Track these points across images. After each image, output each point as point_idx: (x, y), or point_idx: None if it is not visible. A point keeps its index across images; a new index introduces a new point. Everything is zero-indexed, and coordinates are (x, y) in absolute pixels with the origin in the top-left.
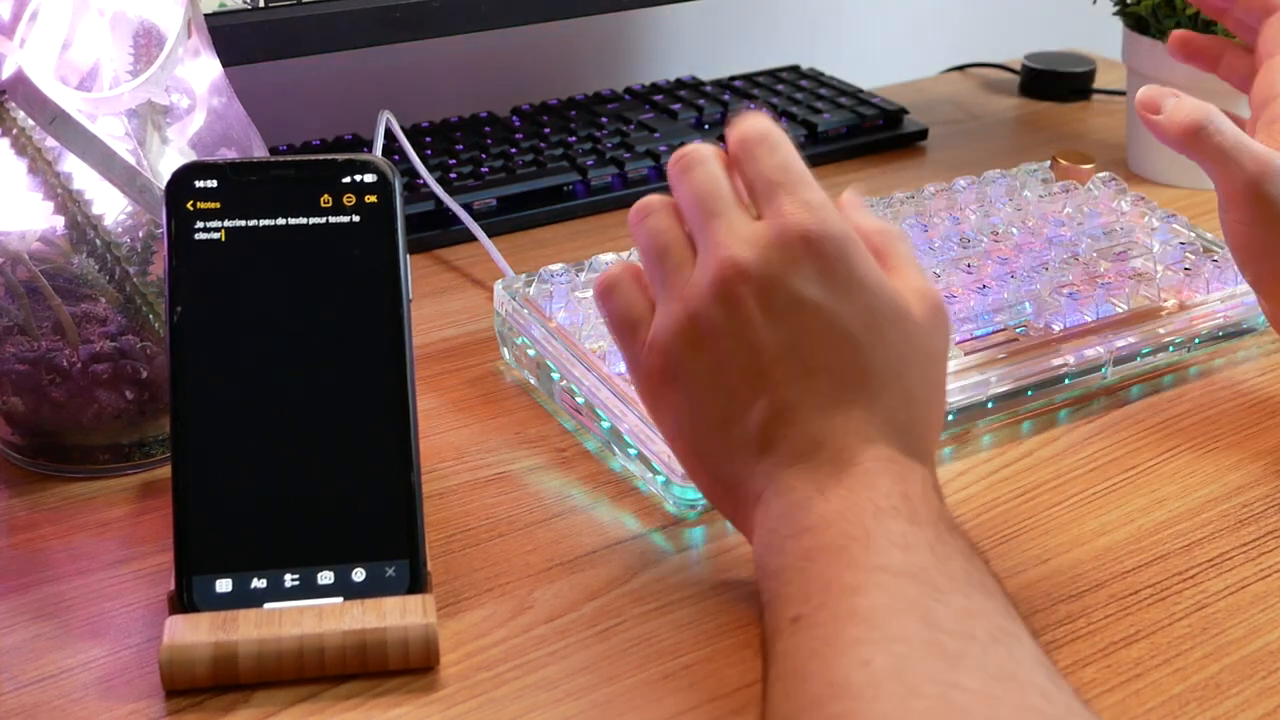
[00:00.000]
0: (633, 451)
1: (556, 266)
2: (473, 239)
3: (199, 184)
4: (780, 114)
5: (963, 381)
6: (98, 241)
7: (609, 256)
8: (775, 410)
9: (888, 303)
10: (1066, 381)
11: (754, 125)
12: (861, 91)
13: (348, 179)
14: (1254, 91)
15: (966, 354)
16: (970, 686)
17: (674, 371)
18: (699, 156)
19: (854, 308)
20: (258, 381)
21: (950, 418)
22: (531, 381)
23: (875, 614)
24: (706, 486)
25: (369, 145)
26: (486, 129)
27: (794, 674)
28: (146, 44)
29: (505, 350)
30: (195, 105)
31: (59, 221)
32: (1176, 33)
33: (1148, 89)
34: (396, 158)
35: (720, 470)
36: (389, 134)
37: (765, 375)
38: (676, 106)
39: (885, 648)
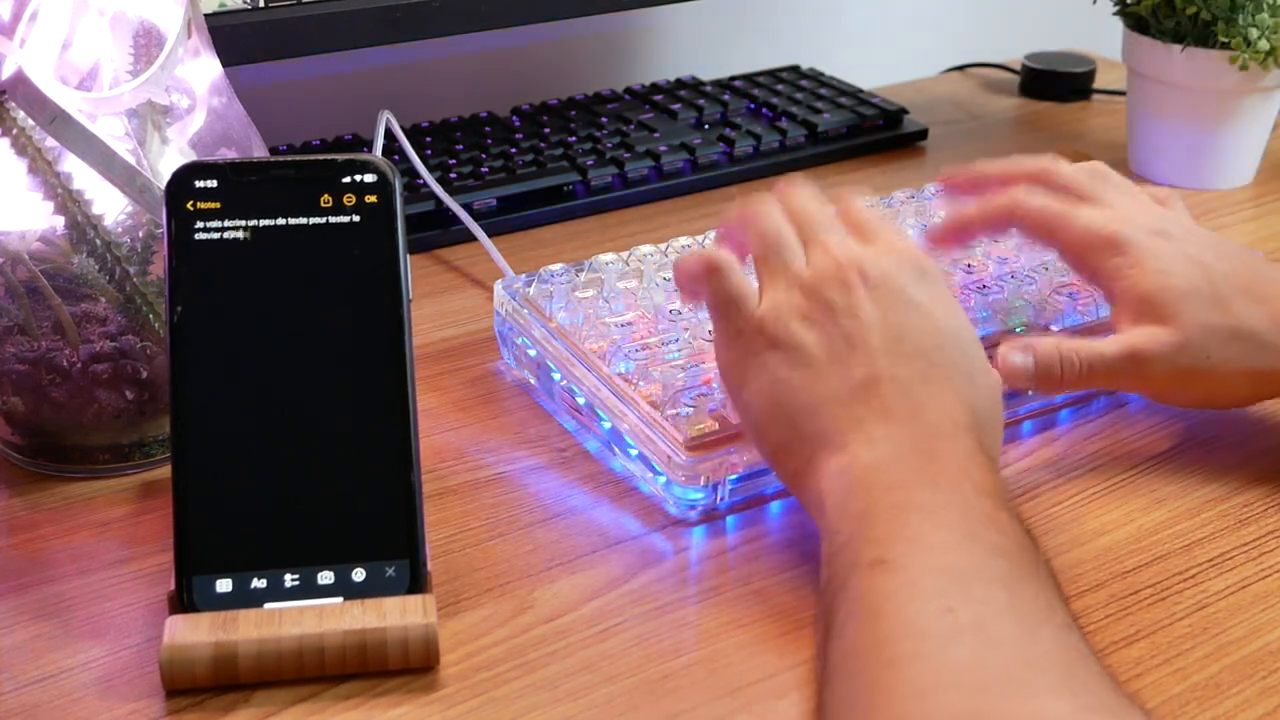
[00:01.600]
0: (633, 451)
1: (556, 266)
2: (473, 239)
3: (199, 184)
4: (780, 114)
5: None
6: (98, 241)
7: (609, 256)
8: (874, 374)
9: (969, 329)
10: None
11: (847, 192)
12: (861, 91)
13: (348, 179)
14: (1073, 272)
15: None
16: (1048, 652)
17: (781, 338)
18: (802, 189)
19: (947, 317)
20: (258, 381)
21: None
22: (531, 381)
23: (962, 573)
24: (778, 438)
25: (369, 145)
26: (486, 129)
27: (869, 612)
28: (146, 44)
29: (505, 350)
30: (195, 105)
31: (59, 221)
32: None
33: (1002, 360)
34: (396, 158)
35: (802, 420)
36: (389, 134)
37: (869, 346)
38: (676, 106)
39: (968, 603)
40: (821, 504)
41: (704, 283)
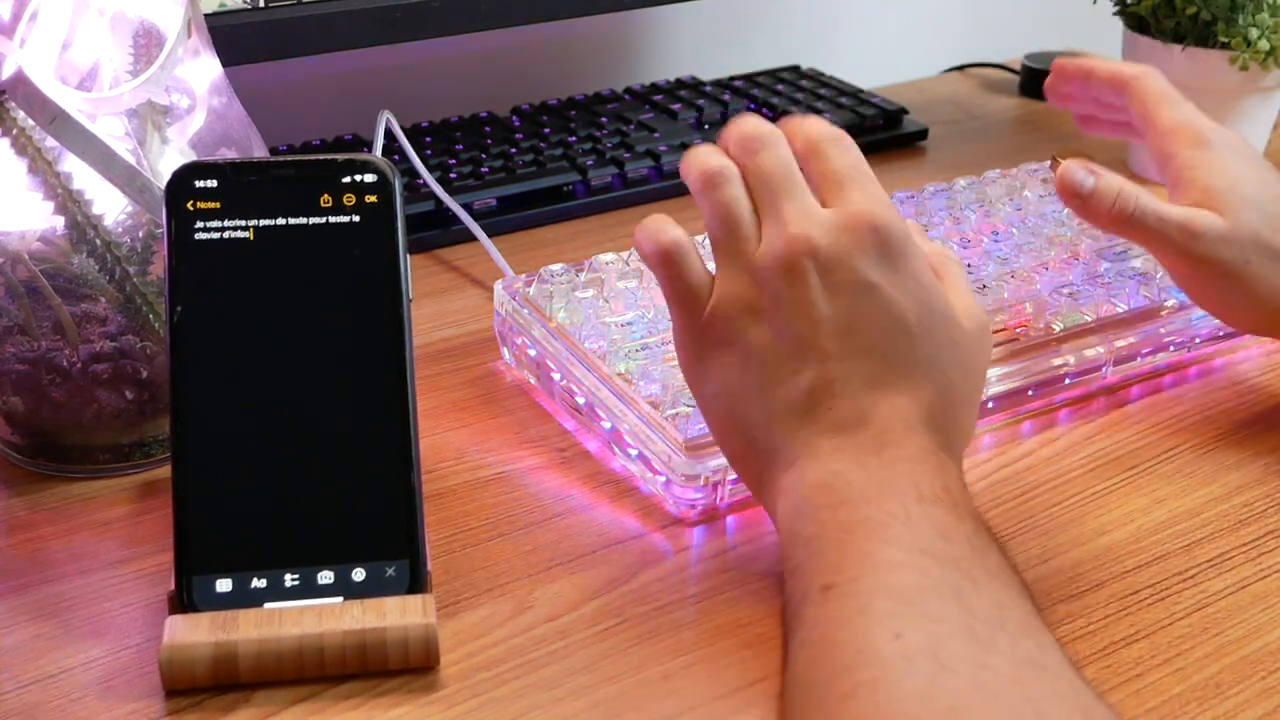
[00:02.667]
0: (633, 451)
1: (556, 266)
2: (473, 239)
3: (199, 184)
4: (780, 114)
5: None
6: (98, 241)
7: (609, 256)
8: (824, 380)
9: (940, 303)
10: (1066, 382)
11: (823, 127)
12: (861, 91)
13: (348, 179)
14: (1152, 156)
15: None
16: (1001, 669)
17: (731, 337)
18: (770, 138)
19: (909, 299)
20: (258, 381)
21: None
22: (532, 381)
23: (910, 591)
24: (736, 449)
25: (369, 145)
26: (486, 129)
27: (823, 641)
28: (146, 44)
29: (505, 350)
30: (195, 105)
31: (59, 221)
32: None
33: (1067, 169)
34: (396, 158)
35: (755, 433)
36: (389, 134)
37: (818, 347)
38: (676, 106)
39: (919, 625)
40: (776, 524)
41: (658, 270)
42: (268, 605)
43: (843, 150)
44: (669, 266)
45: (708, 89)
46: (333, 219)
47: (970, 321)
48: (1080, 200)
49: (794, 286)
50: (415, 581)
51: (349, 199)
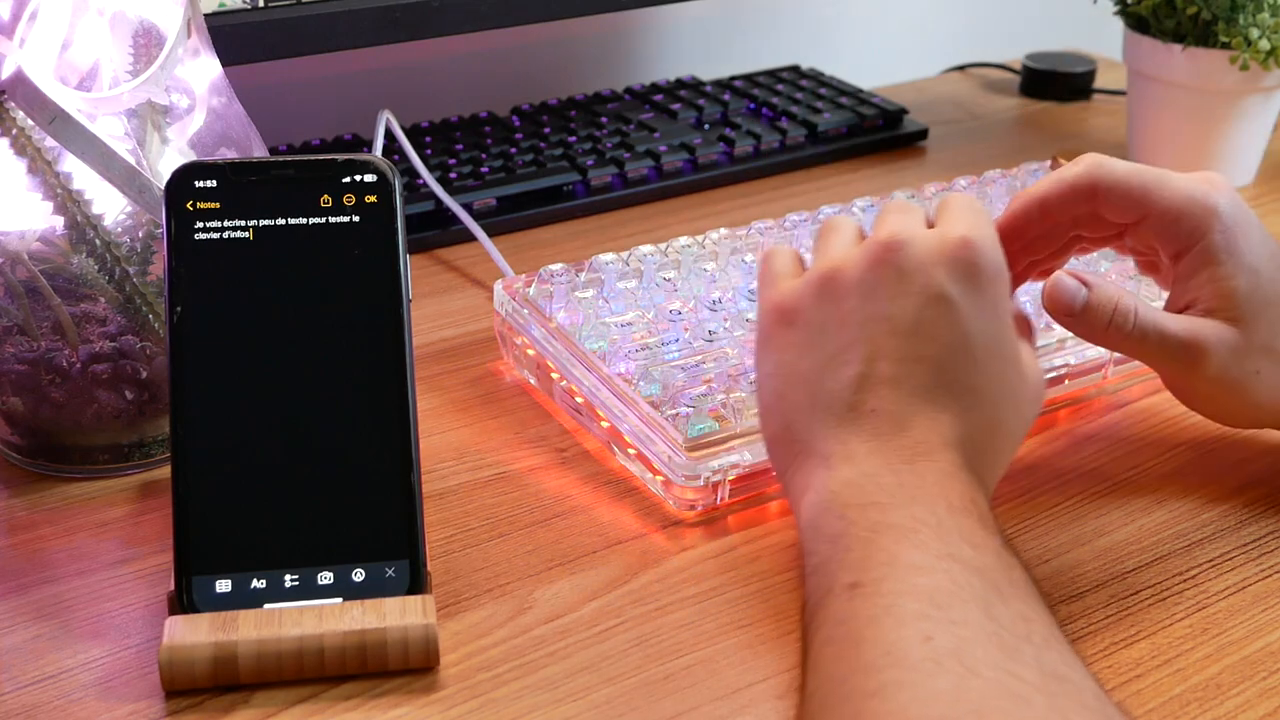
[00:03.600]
0: (632, 451)
1: (556, 266)
2: (473, 239)
3: (199, 184)
4: (780, 114)
5: None
6: (97, 241)
7: (609, 256)
8: (872, 377)
9: (1010, 345)
10: (1066, 382)
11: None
12: (861, 91)
13: (348, 179)
14: (1155, 240)
15: None
16: (1027, 678)
17: (795, 316)
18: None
19: (980, 325)
20: (257, 382)
21: None
22: (531, 381)
23: (939, 595)
24: (773, 431)
25: (369, 145)
26: (486, 129)
27: (849, 638)
28: (146, 44)
29: (505, 350)
30: (195, 105)
31: (59, 221)
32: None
33: (1056, 282)
34: (396, 158)
35: (795, 419)
36: (389, 134)
37: (876, 342)
38: (676, 106)
39: (947, 628)
40: (799, 517)
41: (760, 261)
42: (267, 606)
43: (964, 198)
44: (767, 257)
45: (708, 89)
46: (333, 219)
47: (1031, 376)
48: (1068, 318)
49: (870, 276)
50: (415, 582)
51: (349, 199)
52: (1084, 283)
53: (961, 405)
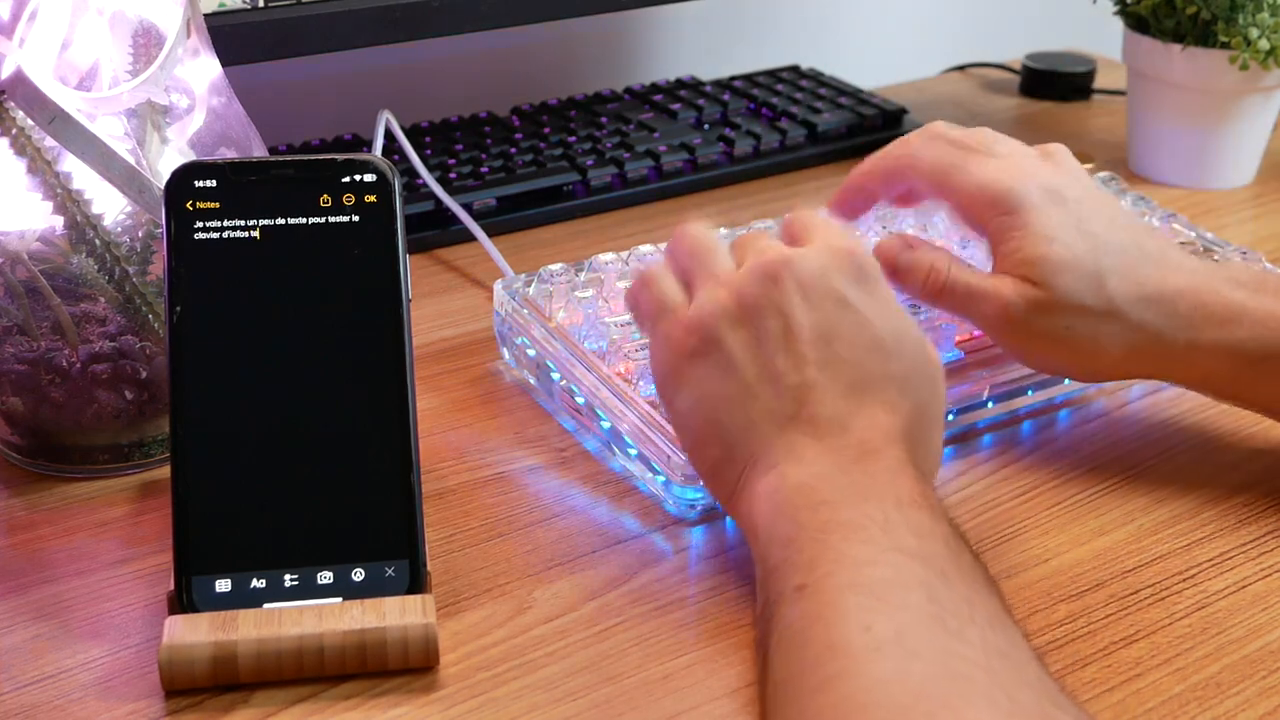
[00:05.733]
0: (633, 451)
1: (556, 266)
2: (473, 239)
3: (198, 184)
4: (780, 114)
5: (963, 382)
6: (97, 241)
7: (609, 256)
8: (805, 385)
9: (911, 328)
10: (1066, 382)
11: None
12: (861, 91)
13: (347, 179)
14: (966, 217)
15: (967, 353)
16: (970, 657)
17: (708, 347)
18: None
19: (883, 320)
20: (257, 381)
21: (950, 417)
22: (531, 381)
23: (880, 586)
24: (711, 460)
25: (369, 145)
26: (486, 129)
27: (795, 639)
28: (146, 44)
29: (505, 350)
30: (195, 105)
31: (59, 221)
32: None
33: (882, 242)
34: (396, 158)
35: (735, 440)
36: (389, 134)
37: (798, 353)
38: (676, 106)
39: (888, 615)
40: (754, 528)
41: (638, 293)
42: (267, 605)
43: (808, 214)
44: (644, 287)
45: (708, 89)
46: (332, 219)
47: (933, 354)
48: (896, 274)
49: (773, 294)
50: (415, 581)
51: (349, 199)
52: (908, 244)
53: (889, 399)
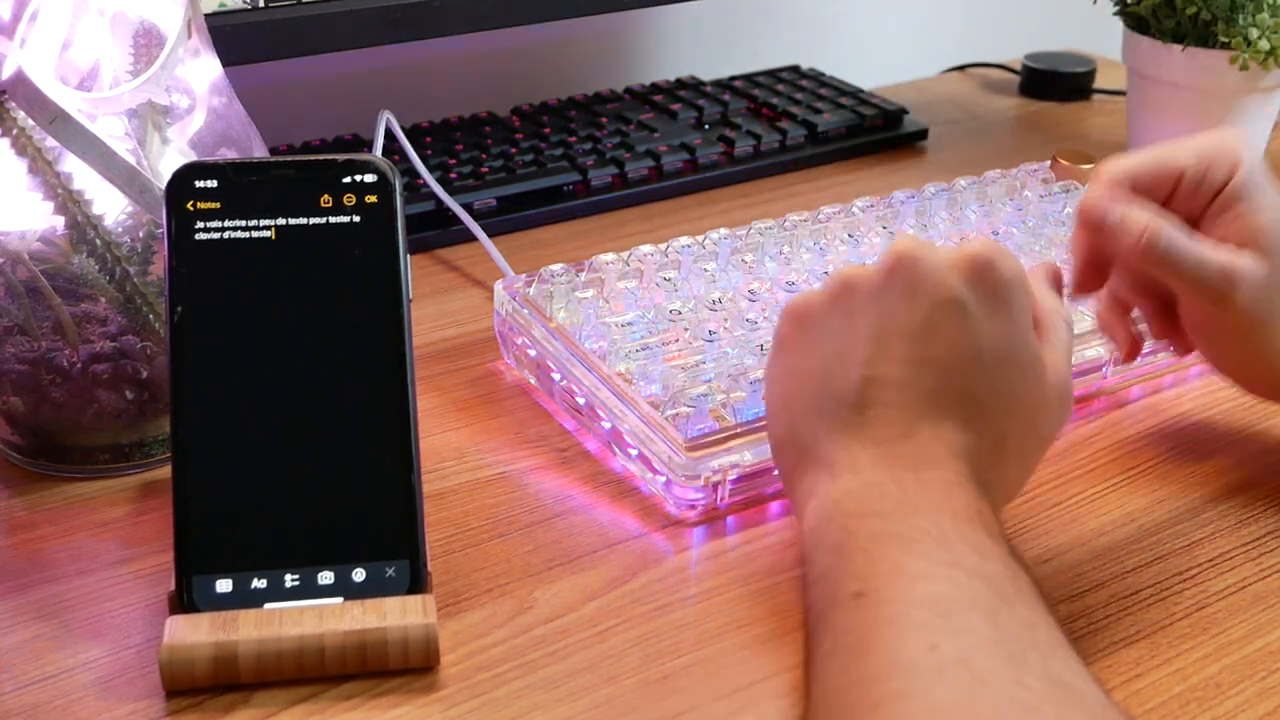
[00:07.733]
0: (633, 451)
1: (556, 266)
2: (473, 239)
3: (199, 184)
4: (780, 114)
5: None
6: (98, 241)
7: (609, 256)
8: (877, 379)
9: (1026, 353)
10: None
11: None
12: (861, 91)
13: (348, 179)
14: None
15: None
16: (1034, 687)
17: (808, 320)
18: None
19: (993, 334)
20: (258, 382)
21: None
22: (532, 381)
23: (943, 602)
24: (781, 433)
25: (369, 145)
26: (486, 129)
27: (855, 648)
28: (146, 44)
29: (505, 350)
30: (195, 105)
31: (59, 221)
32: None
33: (1089, 199)
34: (396, 158)
35: (800, 423)
36: (389, 134)
37: (884, 343)
38: (676, 106)
39: (952, 637)
40: (803, 521)
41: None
42: (268, 605)
43: (984, 239)
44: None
45: (708, 89)
46: (333, 219)
47: (1054, 386)
48: (1101, 234)
49: (884, 282)
50: (415, 582)
51: (349, 199)
52: (1118, 200)
53: (964, 414)
